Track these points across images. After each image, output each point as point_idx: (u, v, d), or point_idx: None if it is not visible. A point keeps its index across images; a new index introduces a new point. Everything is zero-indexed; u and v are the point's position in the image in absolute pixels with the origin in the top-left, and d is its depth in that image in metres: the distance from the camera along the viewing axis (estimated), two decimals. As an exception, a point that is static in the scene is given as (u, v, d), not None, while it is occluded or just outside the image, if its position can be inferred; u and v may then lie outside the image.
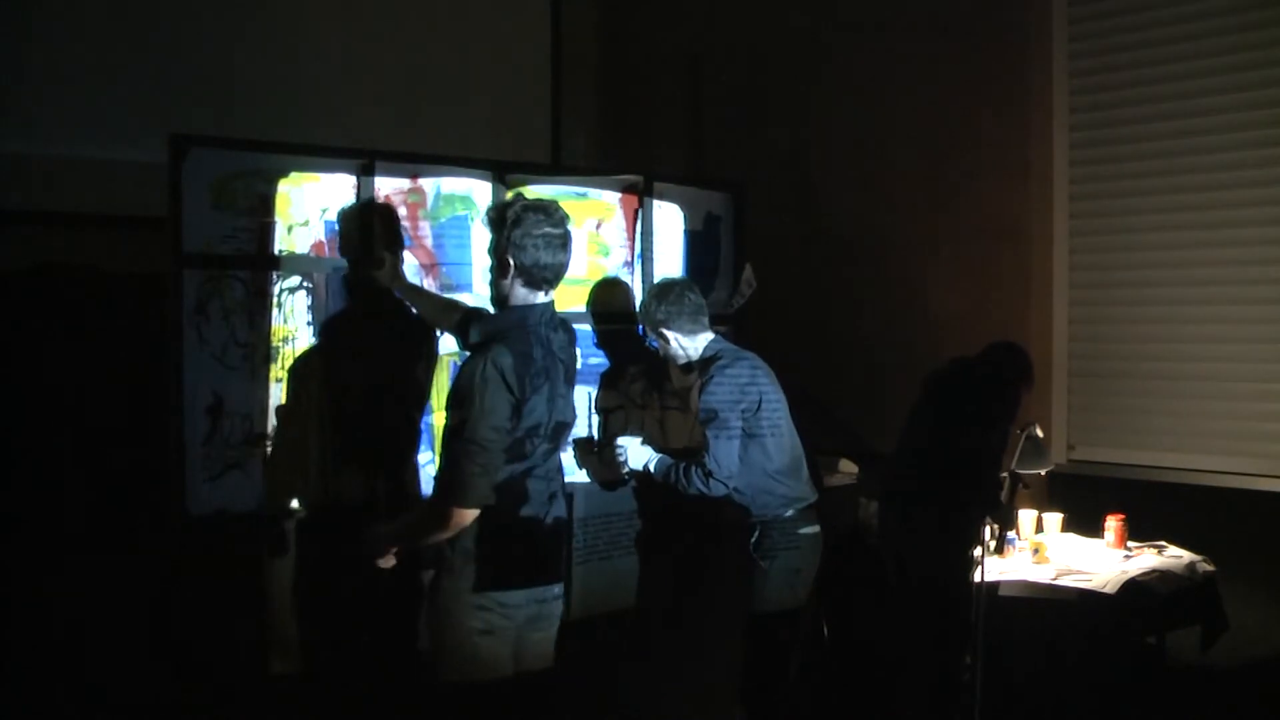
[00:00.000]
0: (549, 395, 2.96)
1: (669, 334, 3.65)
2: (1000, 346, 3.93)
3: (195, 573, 3.36)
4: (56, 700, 3.62)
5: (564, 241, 2.98)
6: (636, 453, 3.62)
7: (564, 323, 3.12)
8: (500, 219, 2.98)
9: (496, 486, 2.88)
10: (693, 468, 3.52)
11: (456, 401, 2.87)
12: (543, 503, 3.00)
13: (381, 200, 3.61)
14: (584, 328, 3.95)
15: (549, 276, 2.97)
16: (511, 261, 2.95)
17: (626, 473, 3.66)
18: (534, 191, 3.88)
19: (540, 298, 2.99)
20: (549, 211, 2.98)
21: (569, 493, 3.86)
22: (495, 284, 3.02)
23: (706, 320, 3.70)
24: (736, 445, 3.54)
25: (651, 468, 3.60)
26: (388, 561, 2.96)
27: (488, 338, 2.95)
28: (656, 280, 3.92)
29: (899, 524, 3.91)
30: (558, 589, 3.09)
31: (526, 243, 2.93)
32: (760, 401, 3.59)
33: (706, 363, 3.62)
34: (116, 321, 3.99)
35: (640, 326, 3.78)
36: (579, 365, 3.92)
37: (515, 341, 2.90)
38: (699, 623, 3.83)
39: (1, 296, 3.97)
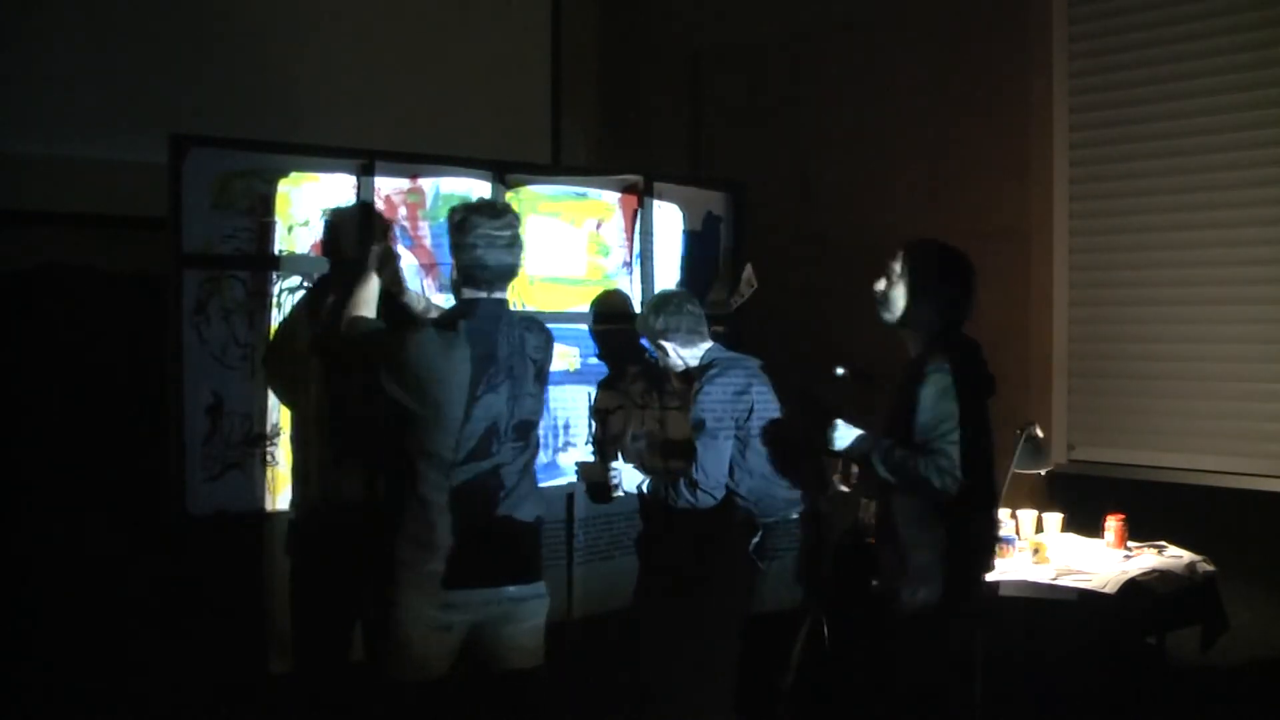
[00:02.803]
0: (510, 393, 2.99)
1: (667, 345, 3.68)
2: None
3: (195, 573, 3.36)
4: (57, 701, 3.62)
5: (508, 242, 3.02)
6: (630, 475, 3.72)
7: (537, 323, 3.18)
8: (450, 221, 3.05)
9: (453, 486, 2.92)
10: (680, 481, 3.56)
11: None
12: (505, 501, 3.01)
13: (369, 200, 3.60)
14: (583, 328, 3.97)
15: (488, 277, 3.01)
16: (455, 261, 3.03)
17: (620, 494, 3.76)
18: (533, 191, 3.89)
19: (484, 295, 3.04)
20: (493, 213, 3.04)
21: (568, 493, 3.88)
22: (451, 282, 3.13)
23: (705, 330, 3.74)
24: (726, 455, 3.57)
25: (644, 489, 3.71)
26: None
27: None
28: (655, 292, 3.95)
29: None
30: (532, 588, 3.08)
31: (465, 242, 2.99)
32: (752, 407, 3.61)
33: (701, 371, 3.65)
34: (116, 321, 3.98)
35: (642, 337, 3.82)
36: (578, 365, 3.95)
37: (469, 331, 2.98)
38: (698, 624, 3.84)
39: (2, 296, 3.97)
